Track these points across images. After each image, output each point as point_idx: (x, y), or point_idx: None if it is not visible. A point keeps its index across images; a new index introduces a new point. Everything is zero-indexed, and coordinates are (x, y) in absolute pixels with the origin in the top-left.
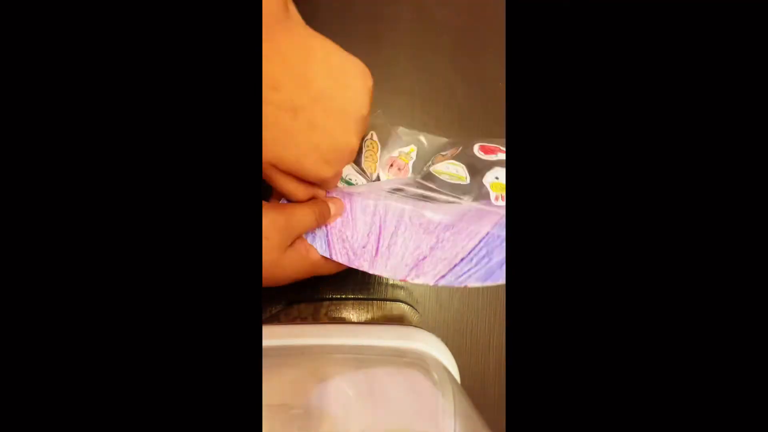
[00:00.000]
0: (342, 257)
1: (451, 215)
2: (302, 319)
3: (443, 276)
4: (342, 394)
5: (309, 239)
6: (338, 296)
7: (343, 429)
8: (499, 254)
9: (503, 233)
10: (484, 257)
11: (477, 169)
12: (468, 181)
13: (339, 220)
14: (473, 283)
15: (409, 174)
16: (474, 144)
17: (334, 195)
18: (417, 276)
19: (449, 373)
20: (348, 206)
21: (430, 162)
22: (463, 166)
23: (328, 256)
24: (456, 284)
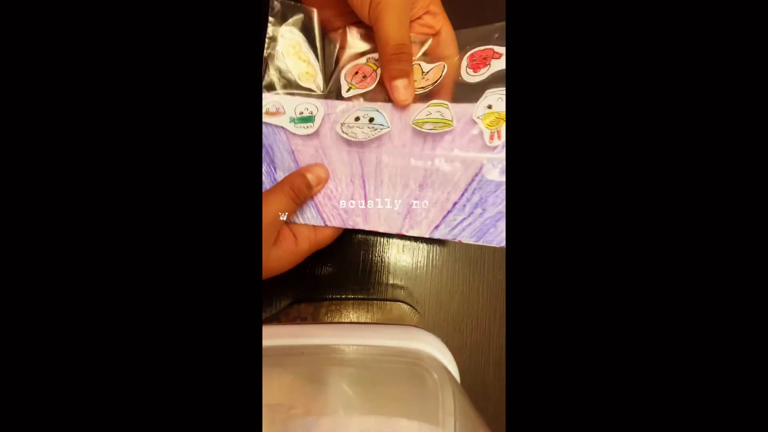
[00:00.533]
0: (336, 220)
1: (438, 137)
2: (302, 319)
3: (437, 226)
4: (342, 394)
5: (298, 217)
6: (338, 296)
7: (343, 429)
8: (494, 206)
9: (501, 178)
10: (477, 206)
11: (465, 104)
12: (455, 124)
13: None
14: (467, 239)
15: (374, 83)
16: (465, 55)
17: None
18: (411, 227)
19: (449, 373)
20: (320, 153)
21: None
22: (448, 105)
23: (323, 224)
24: (450, 237)
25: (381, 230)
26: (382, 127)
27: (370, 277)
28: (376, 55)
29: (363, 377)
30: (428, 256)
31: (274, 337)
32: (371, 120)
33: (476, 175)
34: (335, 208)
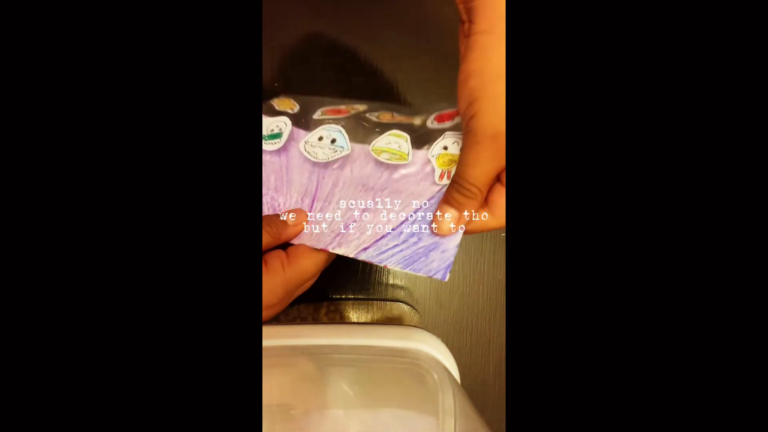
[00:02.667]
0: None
1: (392, 168)
2: (302, 319)
3: (365, 248)
4: (342, 394)
5: None
6: (338, 296)
7: (343, 429)
8: (430, 237)
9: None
10: (413, 235)
11: (423, 141)
12: (410, 158)
13: (272, 184)
14: (393, 265)
15: (346, 115)
16: (431, 116)
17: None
18: (339, 245)
19: (449, 373)
20: (283, 170)
21: (377, 114)
22: (407, 137)
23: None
24: (375, 261)
25: (310, 244)
26: (342, 149)
27: (370, 277)
28: (356, 104)
29: (363, 377)
30: None
31: (274, 337)
32: (333, 141)
33: (419, 209)
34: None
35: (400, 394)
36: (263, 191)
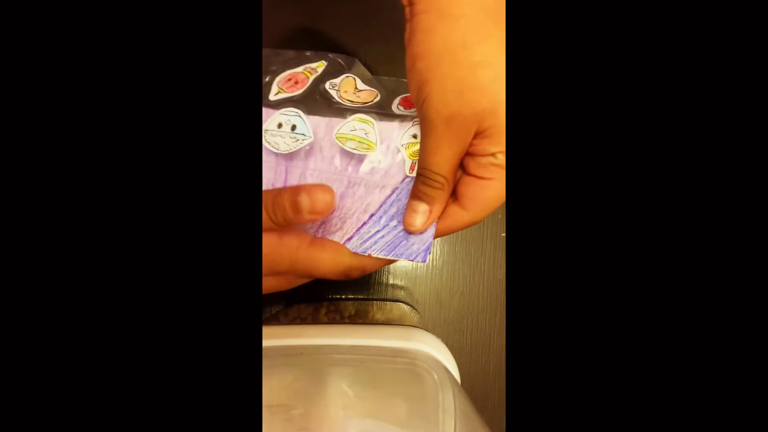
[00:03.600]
0: None
1: (360, 158)
2: (302, 320)
3: (350, 238)
4: (342, 394)
5: None
6: (338, 296)
7: (343, 429)
8: None
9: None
10: (392, 218)
11: (391, 128)
12: (377, 147)
13: None
14: (377, 254)
15: (304, 87)
16: (397, 97)
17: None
18: (323, 236)
19: (449, 373)
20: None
21: (338, 80)
22: (373, 122)
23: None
24: (360, 251)
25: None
26: (304, 137)
27: (370, 277)
28: (313, 65)
29: (363, 377)
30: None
31: (274, 337)
32: (293, 128)
33: (395, 190)
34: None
35: (400, 394)
36: None
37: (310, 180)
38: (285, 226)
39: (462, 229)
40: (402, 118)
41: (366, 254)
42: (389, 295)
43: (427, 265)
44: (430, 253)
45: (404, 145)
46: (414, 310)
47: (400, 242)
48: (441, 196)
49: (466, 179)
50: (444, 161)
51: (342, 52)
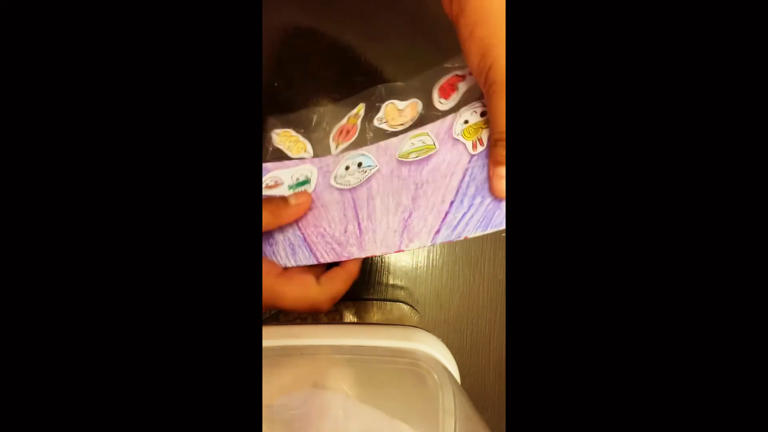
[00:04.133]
0: (329, 254)
1: (424, 160)
2: (302, 320)
3: (438, 231)
4: (342, 394)
5: (289, 255)
6: None
7: (343, 429)
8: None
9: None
10: (474, 196)
11: (444, 126)
12: (437, 146)
13: (311, 218)
14: (473, 233)
15: (356, 134)
16: (433, 89)
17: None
18: (411, 240)
19: (449, 373)
20: (314, 198)
21: (381, 112)
22: (428, 132)
23: (315, 262)
24: (454, 238)
25: (378, 253)
26: (371, 168)
27: (370, 277)
28: (354, 110)
29: (363, 377)
30: (428, 257)
31: (274, 337)
32: (359, 165)
33: (466, 171)
34: (328, 244)
35: (400, 394)
36: (311, 235)
37: (377, 200)
38: (281, 219)
39: None
40: (448, 111)
41: (462, 238)
42: (389, 295)
43: (427, 265)
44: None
45: (459, 134)
46: (414, 310)
47: (493, 214)
48: None
49: None
50: None
51: (344, 51)
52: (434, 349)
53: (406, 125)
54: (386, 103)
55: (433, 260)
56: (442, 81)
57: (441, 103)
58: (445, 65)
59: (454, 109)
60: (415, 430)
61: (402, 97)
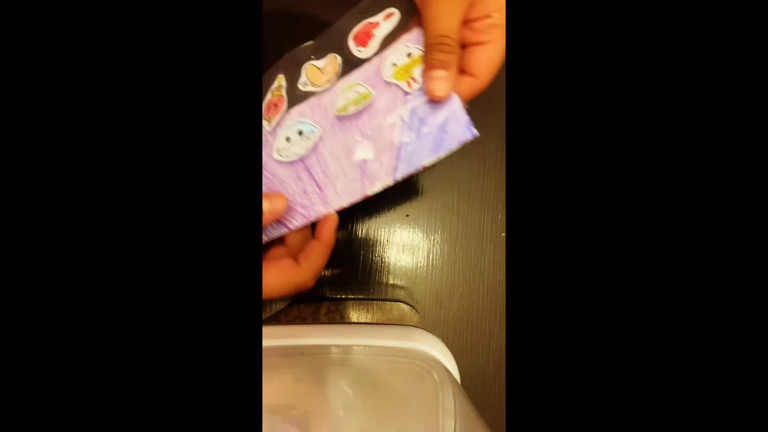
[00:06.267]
0: (297, 220)
1: (364, 112)
2: (302, 319)
3: (396, 168)
4: (342, 394)
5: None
6: (338, 296)
7: (343, 429)
8: (434, 117)
9: (426, 99)
10: (420, 127)
11: (371, 71)
12: (373, 94)
13: (267, 192)
14: (428, 159)
15: (284, 105)
16: (348, 40)
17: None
18: (372, 183)
19: (449, 373)
20: (271, 181)
21: (303, 76)
22: (359, 81)
23: (287, 230)
24: (412, 170)
25: (345, 204)
26: (313, 132)
27: (370, 277)
28: (276, 84)
29: (363, 377)
30: (428, 257)
31: (274, 337)
32: (300, 133)
33: (406, 108)
34: (293, 210)
35: (400, 394)
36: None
37: (328, 158)
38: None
39: (475, 96)
40: (369, 58)
41: (420, 167)
42: (389, 295)
43: (427, 265)
44: (473, 124)
45: (391, 76)
46: (414, 310)
47: (441, 137)
48: (453, 59)
49: (469, 50)
50: (449, 23)
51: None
52: (434, 349)
53: (332, 81)
54: (305, 65)
55: (433, 260)
56: (356, 30)
57: (360, 51)
58: (354, 12)
59: (377, 54)
60: (415, 430)
61: (319, 55)
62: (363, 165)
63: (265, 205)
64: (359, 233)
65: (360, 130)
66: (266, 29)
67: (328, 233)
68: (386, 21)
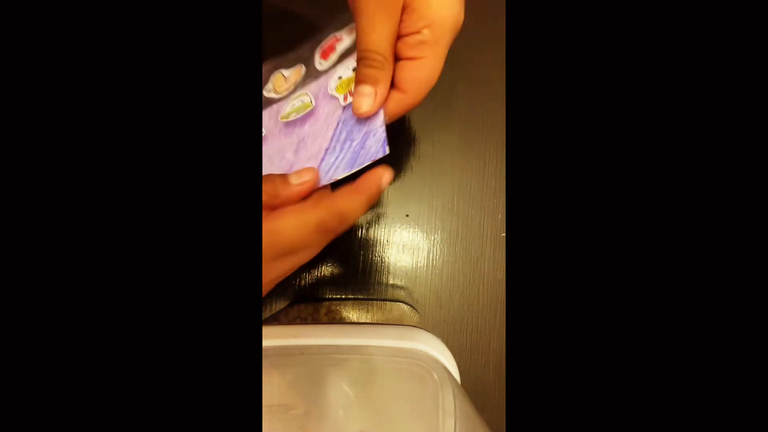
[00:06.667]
0: None
1: (304, 119)
2: (302, 319)
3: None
4: (342, 394)
5: None
6: (338, 296)
7: (343, 429)
8: (359, 132)
9: (359, 117)
10: (345, 141)
11: (321, 84)
12: (315, 103)
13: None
14: (341, 173)
15: None
16: (315, 52)
17: None
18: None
19: (449, 373)
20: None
21: (270, 83)
22: (306, 92)
23: None
24: (326, 181)
25: None
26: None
27: (370, 277)
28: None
29: (363, 377)
30: (428, 257)
31: (274, 337)
32: None
33: (339, 121)
34: None
35: (400, 394)
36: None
37: (265, 160)
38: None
39: (405, 112)
40: (326, 70)
41: (332, 180)
42: (389, 295)
43: (427, 265)
44: (387, 144)
45: (334, 89)
46: (414, 310)
47: (358, 152)
48: (383, 75)
49: (401, 64)
50: (379, 38)
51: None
52: (434, 349)
53: (290, 89)
54: (274, 73)
55: (433, 260)
56: (324, 44)
57: (320, 64)
58: (328, 29)
59: (332, 67)
60: (415, 430)
61: (288, 64)
62: (289, 170)
63: (293, 178)
64: (359, 233)
65: (298, 137)
66: (265, 29)
67: (371, 186)
68: (349, 36)
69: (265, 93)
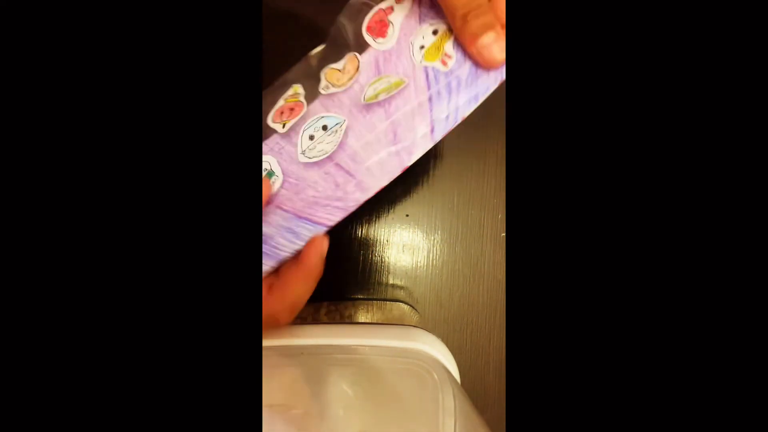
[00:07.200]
0: (335, 214)
1: (396, 96)
2: (302, 320)
3: (432, 129)
4: (342, 394)
5: (293, 240)
6: (338, 296)
7: (343, 429)
8: (461, 69)
9: (450, 66)
10: (448, 84)
11: (401, 60)
12: (407, 79)
13: (291, 193)
14: (467, 110)
15: (304, 109)
16: (362, 35)
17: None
18: (411, 153)
19: (449, 373)
20: (290, 180)
21: (323, 80)
22: (387, 74)
23: (325, 229)
24: (452, 125)
25: (384, 184)
26: (339, 124)
27: (370, 277)
28: (290, 91)
29: (363, 377)
30: (428, 256)
31: (274, 337)
32: (324, 128)
33: (426, 76)
34: (327, 206)
35: (400, 394)
36: (302, 208)
37: (355, 143)
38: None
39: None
40: (393, 48)
41: (460, 120)
42: (389, 295)
43: (427, 265)
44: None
45: (422, 61)
46: (414, 310)
47: (476, 80)
48: (493, 19)
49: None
50: None
51: None
52: (434, 349)
53: (354, 77)
54: (323, 70)
55: (433, 260)
56: (367, 21)
57: (380, 43)
58: (361, 3)
59: (400, 42)
60: (415, 430)
61: (335, 57)
62: (394, 139)
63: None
64: (359, 233)
65: (386, 110)
66: (265, 29)
67: (310, 258)
68: (399, 4)
69: (322, 90)
